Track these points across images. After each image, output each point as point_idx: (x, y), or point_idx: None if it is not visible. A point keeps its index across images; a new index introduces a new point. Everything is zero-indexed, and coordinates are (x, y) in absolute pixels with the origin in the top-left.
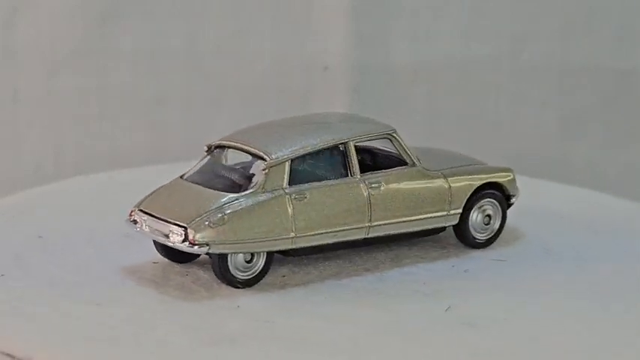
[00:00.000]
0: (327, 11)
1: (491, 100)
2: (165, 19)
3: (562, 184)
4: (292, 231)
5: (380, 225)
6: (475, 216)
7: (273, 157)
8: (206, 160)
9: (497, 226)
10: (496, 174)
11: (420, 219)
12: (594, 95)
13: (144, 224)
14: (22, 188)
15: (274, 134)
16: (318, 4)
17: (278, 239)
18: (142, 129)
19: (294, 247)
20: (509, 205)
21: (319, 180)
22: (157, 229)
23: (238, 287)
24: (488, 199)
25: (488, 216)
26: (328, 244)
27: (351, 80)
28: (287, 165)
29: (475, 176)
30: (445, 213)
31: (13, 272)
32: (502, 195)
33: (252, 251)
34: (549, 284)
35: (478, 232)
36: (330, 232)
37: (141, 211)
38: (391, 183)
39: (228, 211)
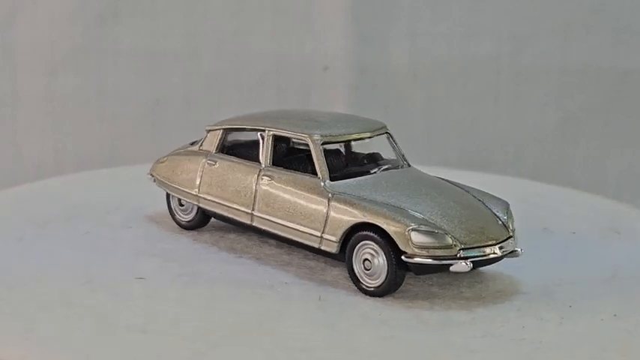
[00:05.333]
0: (327, 11)
1: (491, 100)
2: (165, 19)
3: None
4: (196, 188)
5: (261, 217)
6: (355, 256)
7: (213, 125)
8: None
9: (382, 276)
10: (384, 218)
11: (295, 229)
12: (594, 96)
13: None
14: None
15: (255, 115)
16: (318, 4)
17: (186, 192)
18: (141, 129)
19: (198, 204)
20: (418, 264)
21: (239, 157)
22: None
23: (182, 227)
24: (367, 242)
25: (368, 261)
26: (224, 216)
27: (350, 80)
28: (220, 133)
29: (359, 212)
30: (319, 234)
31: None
32: (388, 245)
33: (172, 194)
34: None
35: (365, 276)
36: (222, 204)
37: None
38: (282, 183)
39: (167, 154)
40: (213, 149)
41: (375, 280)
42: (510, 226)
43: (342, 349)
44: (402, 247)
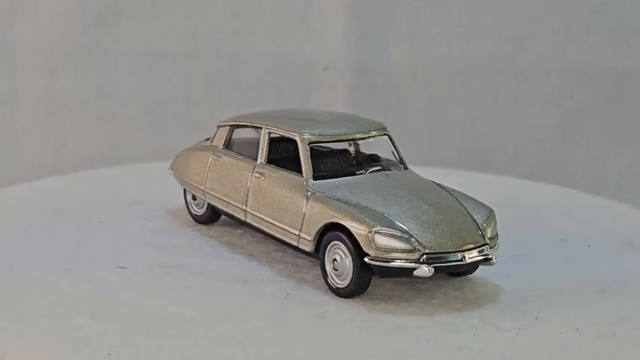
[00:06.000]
0: (327, 11)
1: (491, 100)
2: (165, 19)
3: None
4: (203, 184)
5: (252, 214)
6: (326, 256)
7: (223, 121)
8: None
9: (349, 277)
10: (350, 219)
11: (278, 226)
12: (594, 96)
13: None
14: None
15: (262, 113)
16: (318, 4)
17: (196, 186)
18: (141, 129)
19: (205, 199)
20: (380, 266)
21: (241, 154)
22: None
23: (196, 221)
24: (337, 243)
25: (336, 261)
26: (225, 212)
27: (350, 80)
28: (227, 129)
29: (330, 212)
30: (297, 232)
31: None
32: (354, 246)
33: (185, 187)
34: None
35: (335, 276)
36: (223, 199)
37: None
38: (271, 181)
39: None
40: (220, 145)
41: (343, 280)
42: (489, 233)
43: (274, 347)
44: (365, 248)
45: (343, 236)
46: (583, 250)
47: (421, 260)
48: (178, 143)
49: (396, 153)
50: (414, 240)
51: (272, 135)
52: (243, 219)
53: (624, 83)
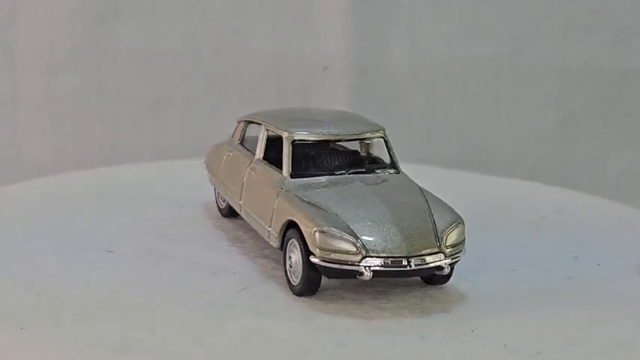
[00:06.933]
0: (327, 11)
1: (491, 100)
2: (165, 19)
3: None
4: (219, 177)
5: (244, 208)
6: (286, 253)
7: (242, 116)
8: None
9: (299, 276)
10: (301, 218)
11: (257, 221)
12: (594, 96)
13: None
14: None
15: (273, 111)
16: (318, 4)
17: (214, 180)
18: (141, 129)
19: (220, 192)
20: (323, 266)
21: (248, 150)
22: None
23: (222, 215)
24: (293, 240)
25: (291, 259)
26: (231, 207)
27: (350, 80)
28: (243, 125)
29: (289, 211)
30: (268, 228)
31: None
32: (303, 244)
33: (210, 180)
34: None
35: (291, 273)
36: (227, 192)
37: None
38: (258, 176)
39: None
40: (236, 140)
41: (297, 278)
42: (448, 241)
43: (205, 334)
44: (311, 247)
45: (297, 234)
46: (586, 267)
47: (362, 263)
48: (178, 143)
49: (389, 156)
50: (358, 242)
51: (269, 132)
52: (240, 212)
53: (624, 83)
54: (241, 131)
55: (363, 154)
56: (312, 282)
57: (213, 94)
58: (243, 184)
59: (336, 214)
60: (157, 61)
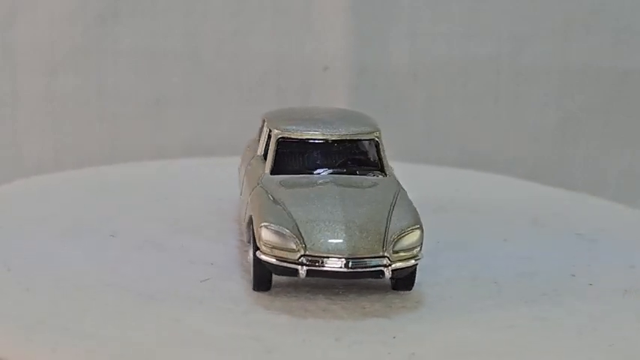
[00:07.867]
0: (327, 11)
1: (491, 100)
2: (165, 19)
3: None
4: (240, 172)
5: (242, 201)
6: (250, 249)
7: (263, 114)
8: None
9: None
10: (255, 213)
11: (240, 215)
12: (594, 96)
13: None
14: None
15: (290, 109)
16: (318, 4)
17: (239, 175)
18: (141, 129)
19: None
20: (265, 262)
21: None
22: None
23: None
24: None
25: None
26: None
27: (350, 80)
28: (262, 122)
29: (251, 206)
30: (243, 222)
31: None
32: (254, 239)
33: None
34: None
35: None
36: (239, 186)
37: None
38: (249, 172)
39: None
40: (256, 137)
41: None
42: (397, 246)
43: (152, 322)
44: (257, 243)
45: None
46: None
47: (299, 261)
48: (178, 143)
49: (377, 158)
50: (298, 240)
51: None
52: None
53: (624, 83)
54: (260, 129)
55: (356, 154)
56: (261, 277)
57: (213, 94)
58: (243, 179)
59: (289, 212)
60: (157, 61)
